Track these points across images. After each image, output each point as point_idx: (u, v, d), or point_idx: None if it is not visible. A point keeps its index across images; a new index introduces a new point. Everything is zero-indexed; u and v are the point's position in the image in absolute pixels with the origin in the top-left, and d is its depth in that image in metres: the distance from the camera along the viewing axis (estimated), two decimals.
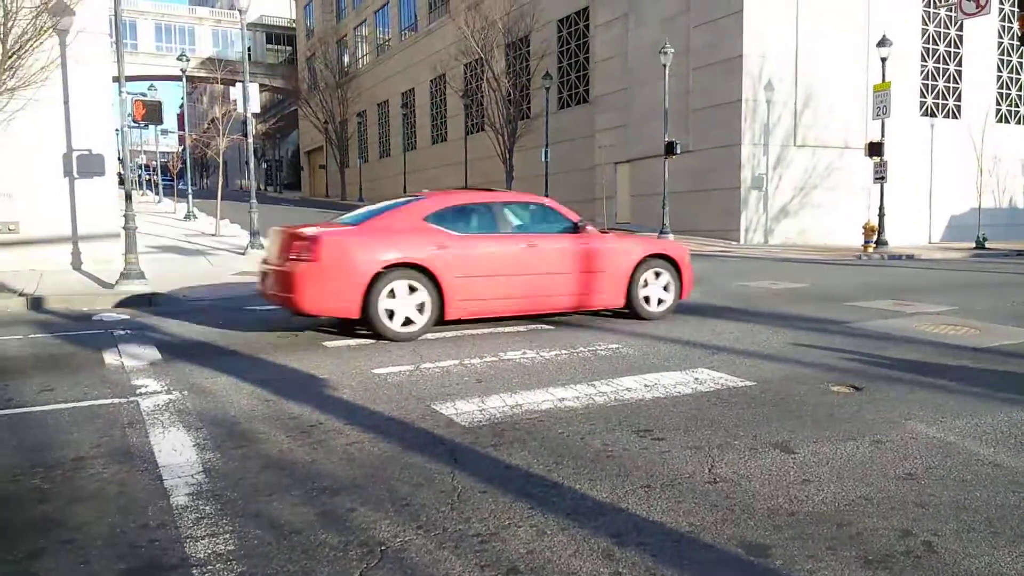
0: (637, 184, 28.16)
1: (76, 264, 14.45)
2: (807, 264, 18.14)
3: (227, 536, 3.24)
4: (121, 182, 14.99)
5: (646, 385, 5.88)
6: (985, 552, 3.20)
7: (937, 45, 28.04)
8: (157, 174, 46.83)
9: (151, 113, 12.35)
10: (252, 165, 16.93)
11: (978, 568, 3.07)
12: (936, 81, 28.13)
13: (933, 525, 3.45)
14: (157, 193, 42.35)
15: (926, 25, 27.64)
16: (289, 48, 69.73)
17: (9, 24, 11.46)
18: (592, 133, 30.18)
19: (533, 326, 8.64)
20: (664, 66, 23.59)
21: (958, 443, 4.59)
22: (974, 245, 24.78)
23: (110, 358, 7.01)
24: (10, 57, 11.55)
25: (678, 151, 23.62)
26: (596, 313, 9.56)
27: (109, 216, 14.76)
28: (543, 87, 30.51)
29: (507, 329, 8.45)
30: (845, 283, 13.52)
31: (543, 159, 30.20)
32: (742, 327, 8.61)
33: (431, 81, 44.03)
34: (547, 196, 30.29)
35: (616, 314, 9.63)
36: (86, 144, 14.16)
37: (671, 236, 23.28)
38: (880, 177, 22.56)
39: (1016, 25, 21.79)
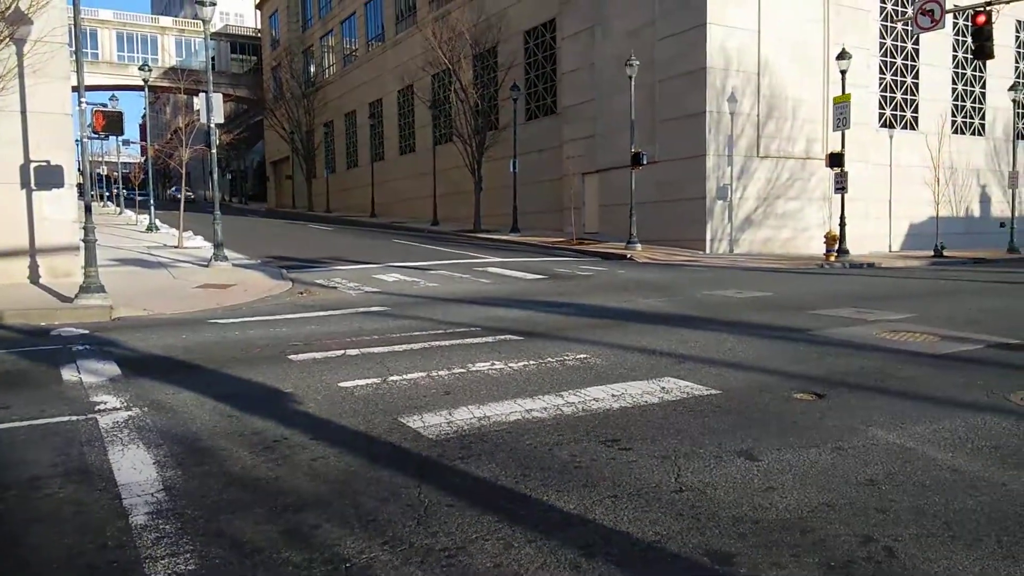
0: (605, 194, 28.37)
1: (34, 278, 14.11)
2: (771, 273, 18.40)
3: (187, 555, 3.17)
4: (81, 194, 14.68)
5: (613, 395, 5.91)
6: (943, 556, 3.26)
7: (895, 58, 28.74)
8: (119, 185, 46.00)
9: (111, 124, 12.15)
10: (216, 176, 16.72)
11: (937, 572, 3.13)
12: (894, 93, 28.83)
13: (893, 530, 3.51)
14: (118, 205, 41.64)
15: (884, 39, 28.32)
16: (254, 58, 69.13)
17: None
18: (560, 144, 30.36)
19: (502, 337, 8.63)
20: (630, 78, 23.86)
21: (917, 449, 4.68)
22: (933, 253, 25.36)
23: (68, 374, 6.85)
24: None
25: (645, 162, 23.87)
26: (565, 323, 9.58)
27: (68, 228, 14.44)
28: (511, 98, 30.64)
29: (475, 340, 8.43)
30: (808, 292, 13.74)
31: (512, 169, 30.29)
32: (708, 336, 8.69)
33: (399, 92, 43.95)
34: (516, 206, 30.50)
35: (587, 324, 9.66)
36: (44, 155, 13.86)
37: (639, 246, 23.49)
38: (840, 187, 23.00)
39: (969, 39, 22.48)
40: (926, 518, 3.65)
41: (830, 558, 3.22)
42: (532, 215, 31.86)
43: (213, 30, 62.16)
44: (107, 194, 50.86)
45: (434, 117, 37.30)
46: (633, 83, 23.84)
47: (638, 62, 23.81)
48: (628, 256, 22.12)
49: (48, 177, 13.84)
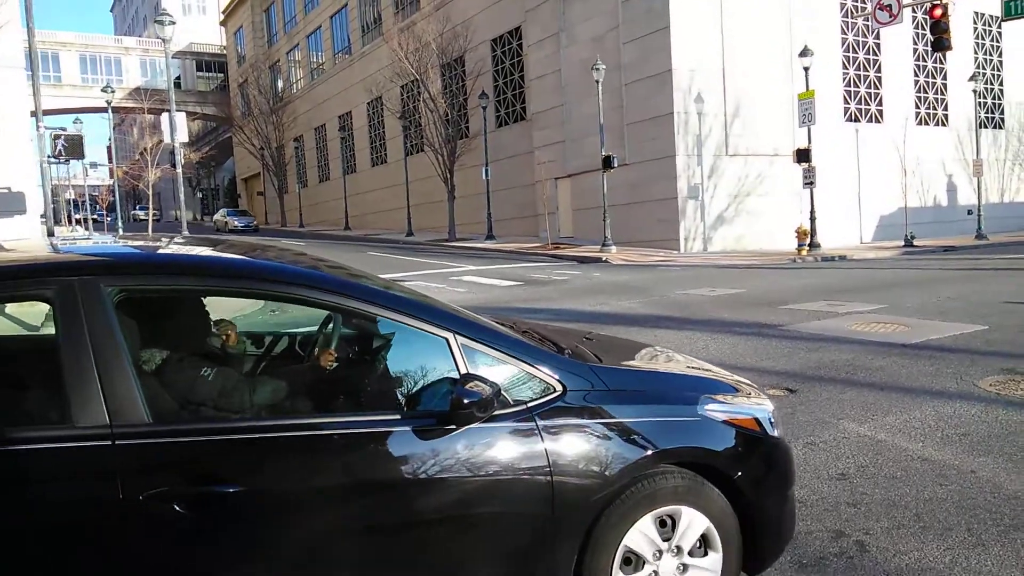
0: (578, 198, 28.42)
1: None
2: (744, 270, 18.52)
3: None
4: (45, 219, 14.41)
5: None
6: (914, 548, 3.26)
7: (857, 53, 29.12)
8: (86, 209, 45.43)
9: (72, 148, 11.95)
10: (183, 196, 16.54)
11: (908, 564, 3.13)
12: (858, 88, 29.19)
13: (865, 524, 3.51)
14: (87, 228, 41.08)
15: (845, 34, 28.67)
16: (221, 75, 68.53)
17: None
18: (531, 150, 30.35)
19: None
20: (597, 82, 23.93)
21: (888, 440, 4.70)
22: (903, 243, 25.68)
23: None
24: None
25: (615, 164, 23.93)
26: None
27: None
28: (480, 106, 30.61)
29: None
30: (780, 287, 13.83)
31: (484, 177, 30.22)
32: (681, 335, 8.70)
33: (368, 104, 43.75)
34: (490, 214, 30.47)
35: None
36: (5, 182, 13.60)
37: (614, 248, 23.54)
38: (809, 182, 23.22)
39: (928, 32, 22.74)
40: (897, 510, 3.65)
41: (802, 555, 3.20)
42: (507, 222, 31.85)
43: (178, 48, 61.59)
44: (77, 217, 50.28)
45: (404, 128, 37.16)
46: (600, 87, 23.93)
47: (604, 66, 23.91)
48: (603, 259, 22.16)
49: (9, 204, 13.56)
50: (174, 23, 15.05)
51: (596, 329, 9.41)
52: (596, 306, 11.83)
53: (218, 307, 3.00)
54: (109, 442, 2.05)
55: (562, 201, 29.39)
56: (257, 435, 2.25)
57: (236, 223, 45.02)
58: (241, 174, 68.46)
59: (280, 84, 55.90)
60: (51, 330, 2.37)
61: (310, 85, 52.78)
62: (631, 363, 3.15)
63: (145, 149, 21.92)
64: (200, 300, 2.77)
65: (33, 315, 3.26)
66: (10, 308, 3.13)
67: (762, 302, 11.48)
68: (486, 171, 30.14)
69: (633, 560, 2.52)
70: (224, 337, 2.93)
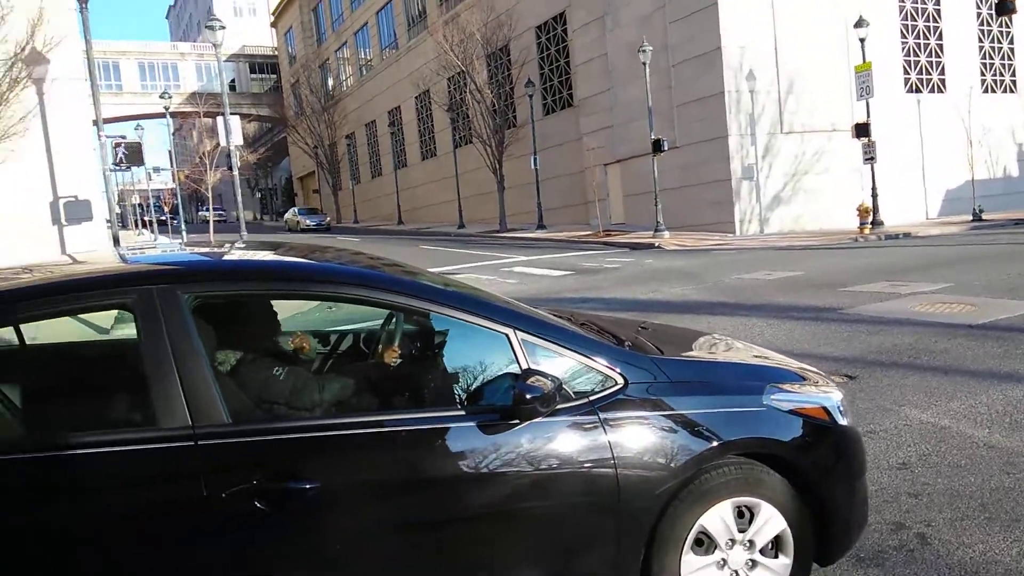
0: (629, 183, 28.11)
1: None
2: (803, 251, 18.06)
3: None
4: (111, 225, 14.96)
5: None
6: (979, 540, 3.14)
7: (916, 21, 27.98)
8: (151, 212, 47.04)
9: (132, 155, 12.37)
10: (240, 197, 16.98)
11: (972, 557, 3.02)
12: (919, 57, 28.07)
13: (927, 515, 3.40)
14: (153, 231, 42.52)
15: (903, 2, 27.58)
16: (274, 76, 69.89)
17: None
18: (579, 136, 30.13)
19: None
20: (644, 64, 23.58)
21: (952, 427, 4.53)
22: (971, 218, 24.65)
23: None
24: None
25: (665, 147, 23.57)
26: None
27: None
28: (527, 94, 30.50)
29: None
30: (840, 267, 13.45)
31: (533, 166, 30.14)
32: (737, 321, 8.55)
33: (416, 98, 44.06)
34: (540, 203, 30.38)
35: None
36: (72, 190, 14.16)
37: (666, 233, 23.22)
38: (869, 158, 22.46)
39: None
40: (961, 500, 3.52)
41: (859, 549, 3.12)
42: (557, 210, 31.73)
43: (231, 52, 63.02)
44: (147, 219, 52.11)
45: (452, 120, 37.31)
46: (647, 69, 23.57)
47: (651, 48, 23.53)
48: (656, 244, 21.89)
49: (77, 212, 14.15)
50: (224, 28, 15.42)
51: (649, 318, 9.32)
52: (648, 294, 11.70)
53: (279, 306, 3.10)
54: (192, 442, 2.15)
55: (612, 187, 29.12)
56: (329, 432, 2.32)
57: (308, 222, 43.64)
58: (297, 173, 69.84)
59: (330, 82, 56.70)
60: (122, 334, 2.44)
61: (359, 82, 53.41)
62: (692, 353, 3.13)
63: (204, 153, 22.51)
64: (268, 302, 2.87)
65: (102, 319, 3.42)
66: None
67: (821, 284, 11.19)
68: (535, 160, 30.04)
69: (705, 543, 2.56)
70: (300, 350, 3.00)
